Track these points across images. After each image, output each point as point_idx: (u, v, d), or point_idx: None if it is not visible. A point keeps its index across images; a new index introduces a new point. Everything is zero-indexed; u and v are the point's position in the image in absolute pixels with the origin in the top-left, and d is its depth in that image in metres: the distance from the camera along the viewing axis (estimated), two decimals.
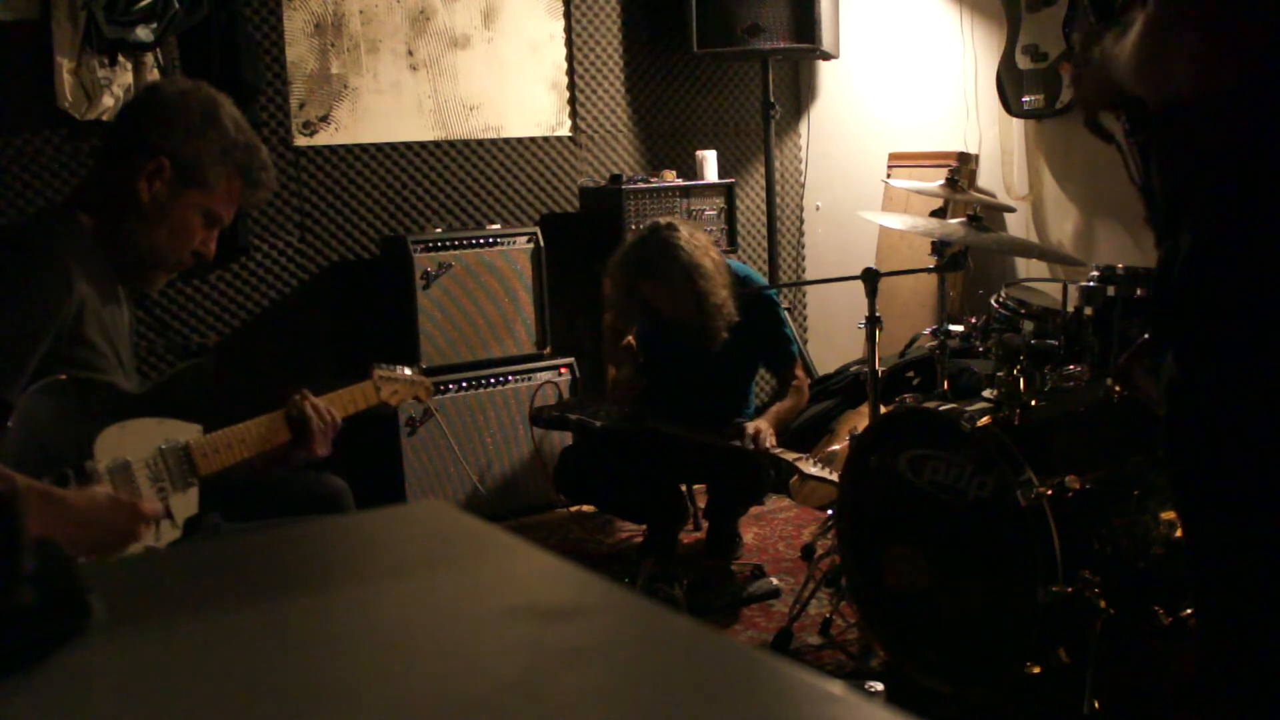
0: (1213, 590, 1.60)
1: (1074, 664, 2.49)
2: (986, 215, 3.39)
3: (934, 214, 3.82)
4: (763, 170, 5.07)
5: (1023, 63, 4.15)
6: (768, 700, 0.67)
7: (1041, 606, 2.42)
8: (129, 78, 3.89)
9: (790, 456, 3.44)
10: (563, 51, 4.81)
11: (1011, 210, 4.07)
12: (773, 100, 4.91)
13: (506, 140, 4.71)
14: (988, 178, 4.54)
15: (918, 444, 2.72)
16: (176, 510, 2.06)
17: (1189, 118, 1.48)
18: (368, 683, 0.71)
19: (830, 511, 3.15)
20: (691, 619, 0.79)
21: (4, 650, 0.71)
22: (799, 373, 3.84)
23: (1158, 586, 2.59)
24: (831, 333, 5.29)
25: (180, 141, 2.12)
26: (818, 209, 5.36)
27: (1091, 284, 2.89)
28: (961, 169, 4.44)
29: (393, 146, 4.49)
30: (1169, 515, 2.61)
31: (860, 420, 3.69)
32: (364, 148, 4.43)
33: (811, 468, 3.37)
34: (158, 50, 3.92)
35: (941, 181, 3.50)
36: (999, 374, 2.75)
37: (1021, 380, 2.69)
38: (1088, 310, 2.88)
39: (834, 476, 3.20)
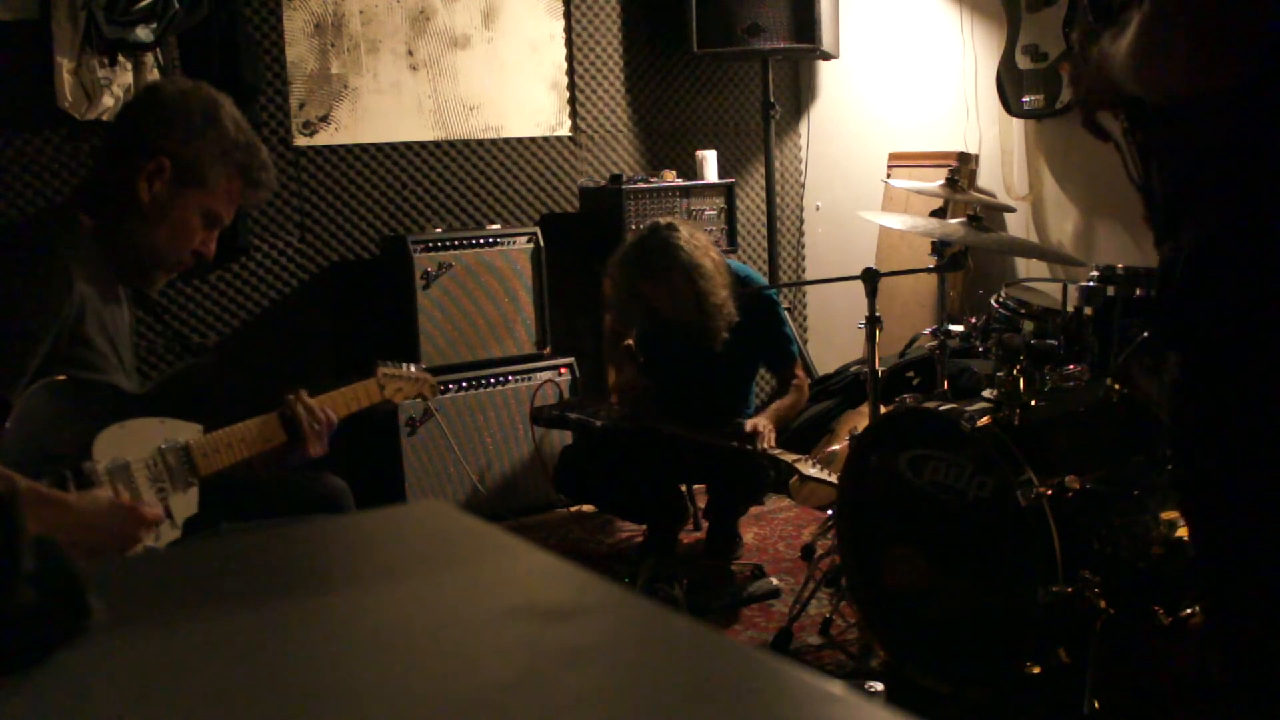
0: (1218, 591, 1.60)
1: (1074, 664, 2.49)
2: (986, 215, 3.39)
3: (934, 214, 3.82)
4: (763, 170, 5.07)
5: (1023, 63, 4.15)
6: (768, 700, 0.67)
7: (1041, 606, 2.42)
8: (129, 78, 3.89)
9: (790, 457, 3.44)
10: (563, 51, 4.81)
11: (1011, 210, 4.07)
12: (773, 100, 4.91)
13: (506, 140, 4.71)
14: (988, 178, 4.54)
15: (918, 444, 2.72)
16: (176, 510, 2.06)
17: (1187, 117, 1.48)
18: (368, 683, 0.71)
19: (830, 511, 3.15)
20: (691, 619, 0.79)
21: (4, 650, 0.71)
22: (799, 372, 3.84)
23: (1158, 586, 2.59)
24: (831, 333, 5.29)
25: (180, 141, 2.12)
26: (818, 209, 5.36)
27: (1091, 284, 2.89)
28: (961, 169, 4.44)
29: (393, 146, 4.49)
30: (1169, 515, 2.61)
31: (860, 420, 3.69)
32: (364, 148, 4.43)
33: (810, 469, 3.37)
34: (158, 50, 3.92)
35: (941, 181, 3.49)
36: (999, 374, 2.75)
37: (1021, 380, 2.69)
38: (1088, 310, 2.88)
39: (833, 478, 3.19)
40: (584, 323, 4.74)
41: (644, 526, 3.90)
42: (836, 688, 0.67)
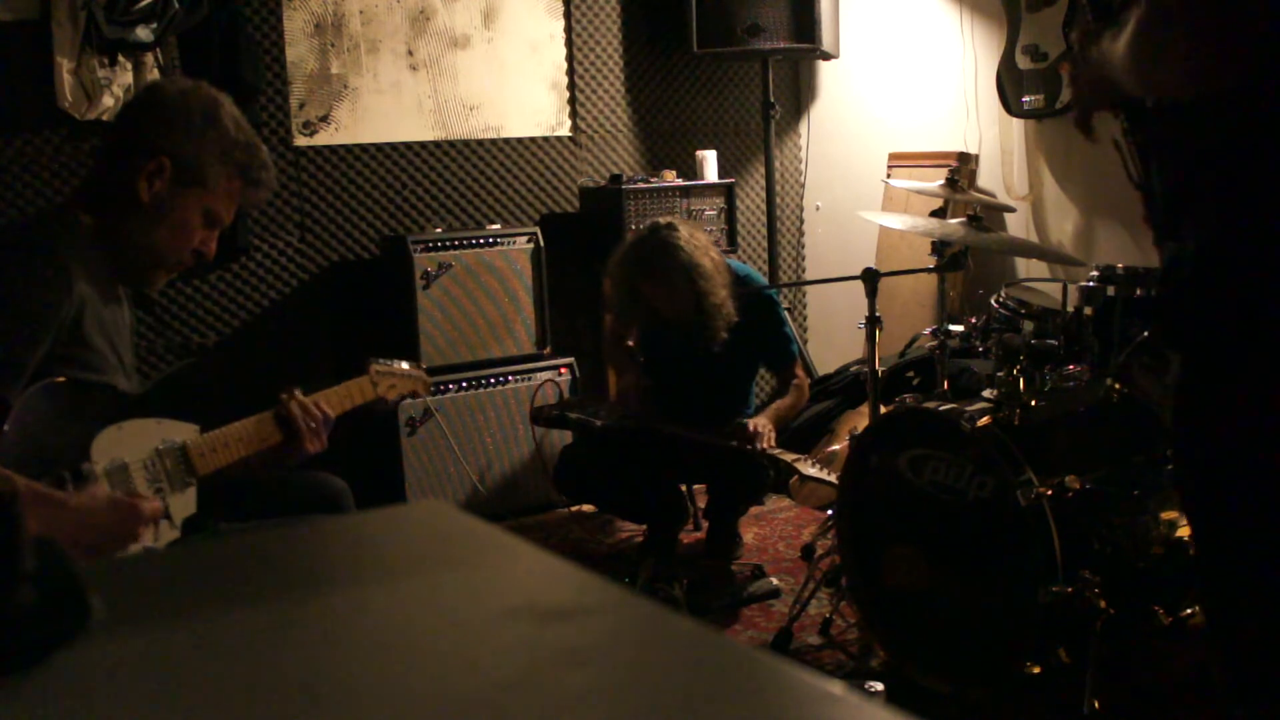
0: (1219, 592, 1.60)
1: (1074, 664, 2.49)
2: (986, 215, 3.39)
3: (934, 214, 3.81)
4: (763, 170, 5.07)
5: (1023, 63, 4.15)
6: (768, 700, 0.67)
7: (1041, 606, 2.42)
8: (129, 78, 3.89)
9: (789, 457, 3.44)
10: (563, 51, 4.81)
11: (1011, 210, 4.07)
12: (773, 100, 4.91)
13: (506, 140, 4.71)
14: (988, 178, 4.54)
15: (918, 444, 2.72)
16: (175, 510, 2.06)
17: (1187, 117, 1.48)
18: (367, 683, 0.71)
19: (830, 511, 3.15)
20: (691, 619, 0.79)
21: (4, 650, 0.71)
22: (799, 372, 3.84)
23: (1158, 586, 2.59)
24: (831, 333, 5.29)
25: (181, 141, 2.12)
26: (818, 209, 5.36)
27: (1091, 284, 2.89)
28: (961, 169, 4.44)
29: (393, 146, 4.49)
30: (1169, 515, 2.61)
31: (860, 420, 3.69)
32: (364, 148, 4.43)
33: (810, 469, 3.38)
34: (158, 50, 3.92)
35: (941, 181, 3.49)
36: (999, 374, 2.75)
37: (1021, 380, 2.69)
38: (1088, 310, 2.88)
39: (833, 478, 3.20)
40: (584, 323, 4.75)
41: (644, 526, 3.90)
42: (836, 688, 0.67)
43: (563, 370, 4.38)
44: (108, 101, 3.85)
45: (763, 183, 5.06)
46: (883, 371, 3.57)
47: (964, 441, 2.61)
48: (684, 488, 4.00)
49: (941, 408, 2.72)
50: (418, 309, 4.12)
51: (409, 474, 4.08)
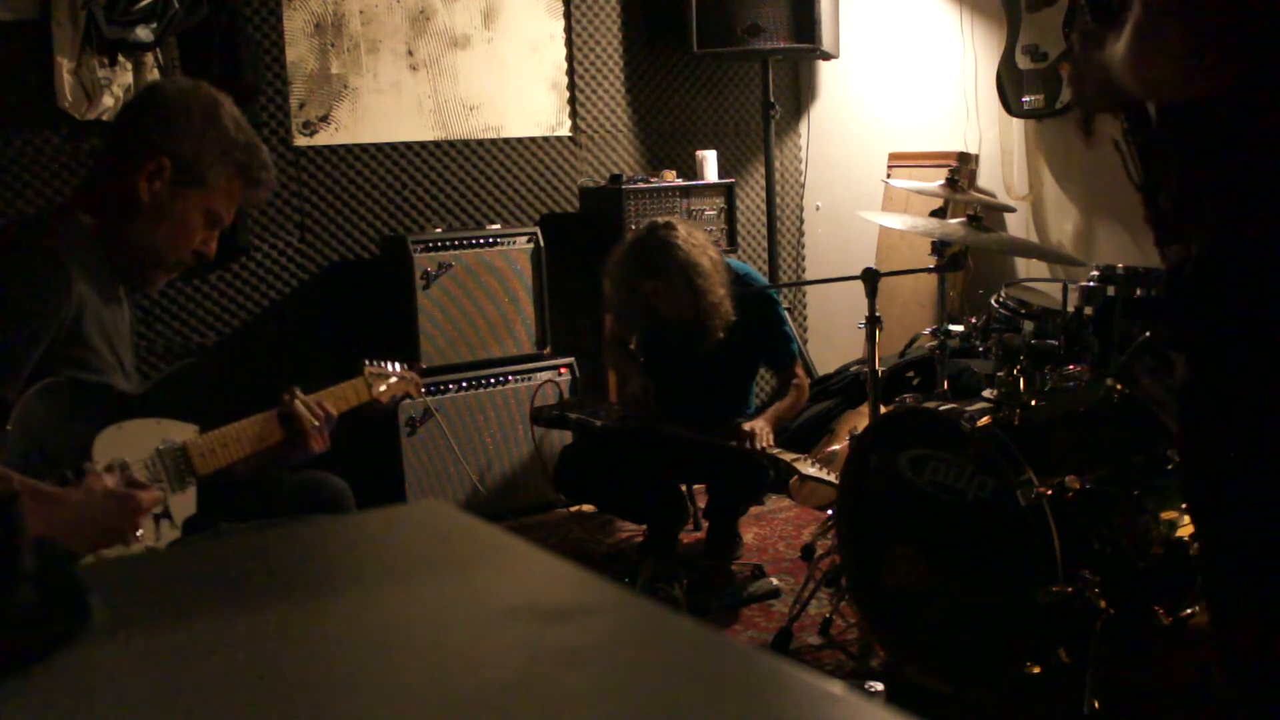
0: (1225, 592, 1.60)
1: (1074, 664, 2.49)
2: (986, 215, 3.39)
3: (934, 214, 3.82)
4: (763, 170, 5.07)
5: (1023, 63, 4.15)
6: (768, 700, 0.67)
7: (1041, 606, 2.42)
8: (129, 78, 3.89)
9: (789, 457, 3.44)
10: (563, 51, 4.81)
11: (1011, 210, 4.07)
12: (773, 100, 4.91)
13: (506, 140, 4.71)
14: (988, 178, 4.54)
15: (918, 444, 2.72)
16: (175, 510, 2.06)
17: (1188, 119, 1.48)
18: (368, 682, 0.71)
19: (830, 511, 3.15)
20: (691, 619, 0.79)
21: (4, 650, 0.71)
22: (799, 372, 3.84)
23: (1158, 586, 2.59)
24: (831, 333, 5.29)
25: (181, 141, 2.12)
26: (818, 209, 5.36)
27: (1091, 284, 2.89)
28: (961, 169, 4.44)
29: (393, 146, 4.49)
30: (1169, 515, 2.61)
31: (860, 420, 3.69)
32: (364, 148, 4.43)
33: (810, 468, 3.38)
34: (158, 50, 3.92)
35: (941, 181, 3.49)
36: (999, 374, 2.75)
37: (1021, 380, 2.69)
38: (1088, 310, 2.88)
39: (832, 478, 3.20)
40: (584, 323, 4.74)
41: (644, 526, 3.90)
42: (836, 688, 0.67)
43: (563, 370, 4.38)
44: (108, 101, 3.85)
45: (763, 183, 5.06)
46: (883, 371, 3.57)
47: (964, 441, 2.61)
48: (684, 488, 3.99)
49: (941, 408, 2.72)
50: (418, 309, 4.12)
51: (409, 474, 4.08)
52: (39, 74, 3.79)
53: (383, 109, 4.46)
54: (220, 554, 1.10)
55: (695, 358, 3.66)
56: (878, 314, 3.13)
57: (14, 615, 0.73)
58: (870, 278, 3.16)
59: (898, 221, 3.45)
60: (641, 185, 4.58)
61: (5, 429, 1.84)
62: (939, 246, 3.21)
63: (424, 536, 1.02)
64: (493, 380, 4.25)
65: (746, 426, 3.54)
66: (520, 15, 4.69)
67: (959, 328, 3.31)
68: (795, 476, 3.77)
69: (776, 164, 5.12)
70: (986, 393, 2.76)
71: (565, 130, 4.84)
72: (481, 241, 4.26)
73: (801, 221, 5.42)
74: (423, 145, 4.54)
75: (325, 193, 4.37)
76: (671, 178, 4.71)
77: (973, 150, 4.55)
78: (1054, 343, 2.88)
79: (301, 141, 4.31)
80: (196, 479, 2.11)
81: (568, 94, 4.83)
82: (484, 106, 4.65)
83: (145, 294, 3.81)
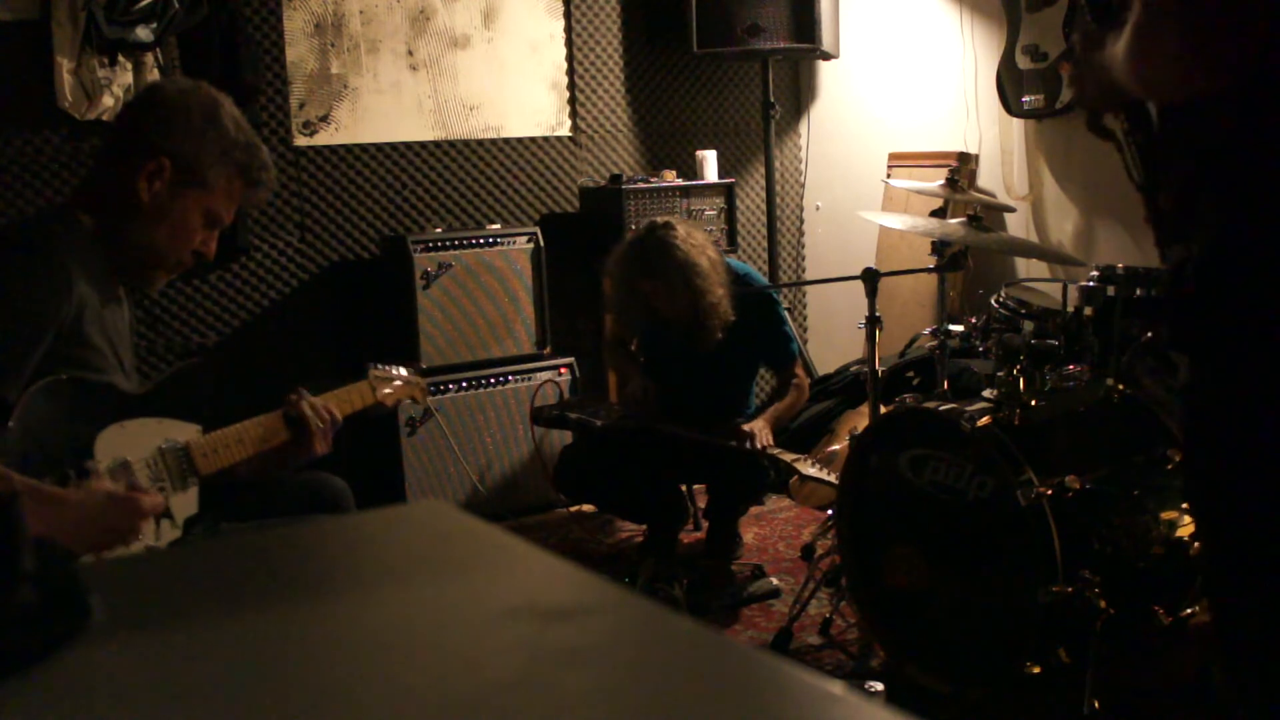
0: (1228, 594, 1.60)
1: (1074, 664, 2.49)
2: (986, 215, 3.39)
3: (934, 214, 3.81)
4: (763, 170, 5.07)
5: (1023, 63, 4.15)
6: (768, 700, 0.67)
7: (1041, 606, 2.42)
8: (129, 78, 3.89)
9: (789, 457, 3.44)
10: (563, 51, 4.81)
11: (1011, 210, 4.07)
12: (773, 100, 4.91)
13: (506, 140, 4.71)
14: (988, 178, 4.54)
15: (918, 444, 2.72)
16: (177, 510, 2.06)
17: (1189, 119, 1.48)
18: (367, 683, 0.71)
19: (830, 511, 3.15)
20: (691, 619, 0.79)
21: (4, 650, 0.71)
22: (799, 371, 3.84)
23: (1158, 586, 2.59)
24: (831, 333, 5.29)
25: (180, 141, 2.12)
26: (818, 209, 5.36)
27: (1091, 284, 2.89)
28: (961, 169, 4.44)
29: (393, 146, 4.49)
30: (1169, 515, 2.61)
31: (860, 420, 3.69)
32: (364, 148, 4.43)
33: (810, 468, 3.38)
34: (158, 50, 3.92)
35: (941, 181, 3.49)
36: (999, 374, 2.75)
37: (1021, 380, 2.69)
38: (1088, 310, 2.88)
39: (832, 478, 3.19)
40: (584, 323, 4.75)
41: (644, 526, 3.90)
42: (836, 688, 0.67)
43: (563, 370, 4.38)
44: (108, 101, 3.85)
45: (763, 183, 5.06)
46: (883, 371, 3.57)
47: (964, 441, 2.61)
48: (684, 488, 4.00)
49: (941, 408, 2.72)
50: (418, 309, 4.12)
51: (409, 474, 4.08)
52: (39, 74, 3.79)
53: (383, 109, 4.46)
54: (220, 554, 1.10)
55: (695, 358, 3.66)
56: (878, 314, 3.13)
57: (14, 615, 0.73)
58: (870, 278, 3.16)
59: (898, 221, 3.45)
60: (641, 185, 4.59)
61: (6, 428, 1.84)
62: (939, 246, 3.21)
63: (424, 537, 1.02)
64: (493, 380, 4.25)
65: (746, 427, 3.54)
66: (520, 15, 4.70)
67: (959, 328, 3.31)
68: (795, 476, 3.78)
69: (776, 164, 5.12)
70: (986, 393, 2.76)
71: (565, 130, 4.84)
72: (481, 241, 4.26)
73: (801, 221, 5.42)
74: (423, 145, 4.54)
75: (325, 193, 4.37)
76: (671, 178, 4.71)
77: (973, 150, 4.55)
78: (1054, 343, 2.88)
79: (301, 141, 4.31)
80: (199, 479, 2.11)
81: (568, 94, 4.83)
82: (484, 106, 4.65)
83: (145, 294, 3.81)
